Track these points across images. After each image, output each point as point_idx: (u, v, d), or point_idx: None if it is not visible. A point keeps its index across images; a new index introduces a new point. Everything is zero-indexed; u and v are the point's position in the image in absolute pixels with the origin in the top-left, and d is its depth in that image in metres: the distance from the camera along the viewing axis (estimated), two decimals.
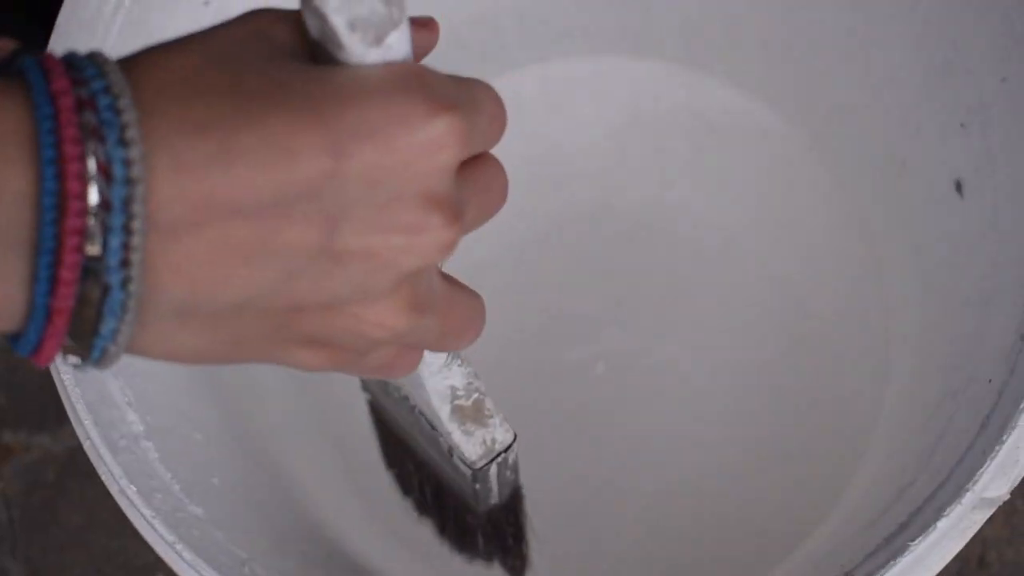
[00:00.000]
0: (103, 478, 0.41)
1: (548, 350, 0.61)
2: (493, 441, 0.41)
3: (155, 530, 0.40)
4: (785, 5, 0.57)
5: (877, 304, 0.59)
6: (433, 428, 0.41)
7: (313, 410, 0.57)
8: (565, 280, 0.61)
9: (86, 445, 0.41)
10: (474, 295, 0.34)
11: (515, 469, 0.43)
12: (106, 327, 0.26)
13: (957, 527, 0.39)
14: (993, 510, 0.40)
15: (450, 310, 0.32)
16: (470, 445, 0.41)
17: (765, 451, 0.59)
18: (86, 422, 0.40)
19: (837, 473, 0.57)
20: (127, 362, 0.43)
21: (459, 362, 0.39)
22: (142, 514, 0.40)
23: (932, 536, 0.38)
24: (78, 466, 0.72)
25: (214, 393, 0.49)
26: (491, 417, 0.40)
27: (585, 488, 0.59)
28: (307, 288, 0.28)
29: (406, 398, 0.41)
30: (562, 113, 0.62)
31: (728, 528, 0.58)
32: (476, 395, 0.40)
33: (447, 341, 0.33)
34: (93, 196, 0.25)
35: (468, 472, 0.41)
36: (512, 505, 0.45)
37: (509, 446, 0.41)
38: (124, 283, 0.26)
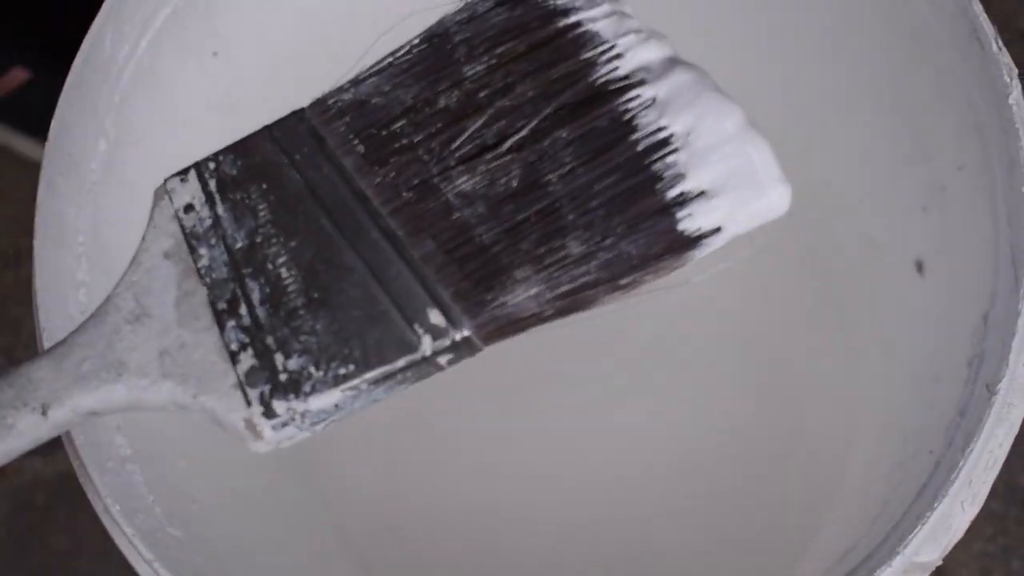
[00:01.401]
0: (89, 496, 0.43)
1: (512, 402, 0.63)
2: None
3: (135, 548, 0.42)
4: (769, 84, 0.60)
5: (844, 373, 0.62)
6: None
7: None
8: (531, 335, 0.63)
9: (75, 464, 0.43)
10: None
11: None
12: None
13: None
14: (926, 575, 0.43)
15: None
16: None
17: (725, 514, 0.61)
18: (77, 442, 0.42)
19: (797, 540, 0.59)
20: None
21: None
22: (124, 532, 0.42)
23: None
24: (67, 492, 0.73)
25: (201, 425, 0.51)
26: None
27: (543, 544, 0.61)
28: None
29: None
30: None
31: None
32: None
33: None
34: None
35: None
36: None
37: None
38: None
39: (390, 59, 0.38)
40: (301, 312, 0.36)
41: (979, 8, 0.46)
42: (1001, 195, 0.45)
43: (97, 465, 0.42)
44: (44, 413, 0.35)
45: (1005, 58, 0.45)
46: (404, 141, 0.37)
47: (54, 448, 0.73)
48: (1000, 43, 0.45)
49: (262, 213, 0.37)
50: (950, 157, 0.49)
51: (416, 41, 0.38)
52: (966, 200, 0.48)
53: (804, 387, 0.63)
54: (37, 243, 0.44)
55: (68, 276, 0.46)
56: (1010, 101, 0.44)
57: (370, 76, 0.38)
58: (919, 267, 0.54)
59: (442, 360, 0.35)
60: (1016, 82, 0.45)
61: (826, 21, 0.55)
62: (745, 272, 0.63)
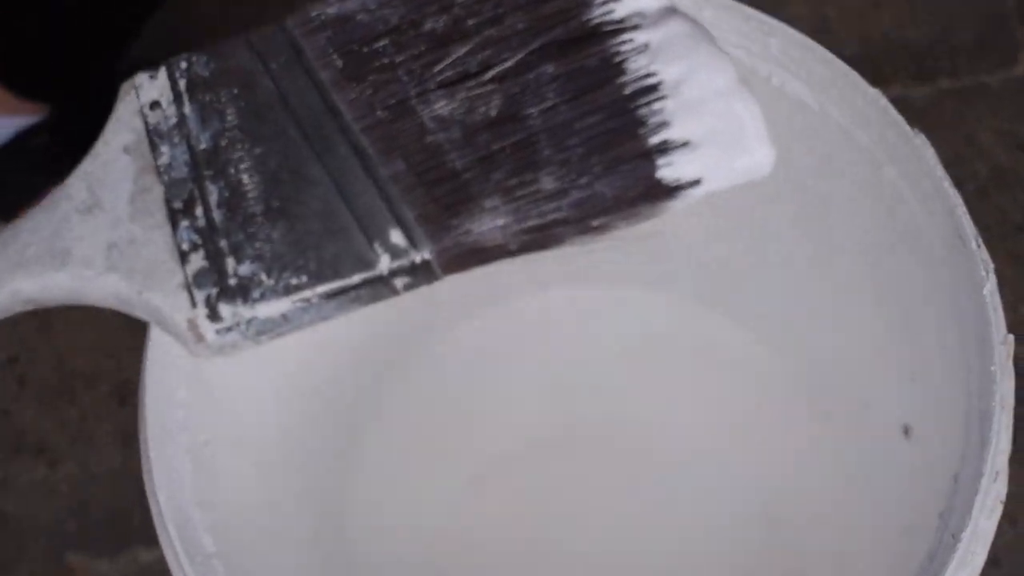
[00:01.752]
0: None
1: (525, 544, 0.67)
2: None
3: None
4: (777, 264, 0.67)
5: (840, 524, 0.67)
6: None
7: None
8: (561, 483, 0.68)
9: (169, 557, 0.50)
10: None
11: None
12: None
13: None
14: None
15: None
16: None
17: None
18: (174, 537, 0.49)
19: None
20: (207, 495, 0.53)
21: None
22: None
23: None
24: None
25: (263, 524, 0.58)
26: None
27: None
28: None
29: None
30: (566, 336, 0.69)
31: None
32: None
33: None
34: None
35: None
36: None
37: None
38: None
39: None
40: (259, 219, 0.35)
41: (963, 211, 0.53)
42: (975, 371, 0.52)
43: (189, 559, 0.49)
44: None
45: (983, 254, 0.52)
46: (385, 60, 0.36)
47: (121, 551, 0.79)
48: (979, 241, 0.52)
49: (230, 117, 0.36)
50: (934, 335, 0.56)
51: None
52: (946, 374, 0.55)
53: (802, 538, 0.67)
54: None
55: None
56: (984, 292, 0.51)
57: None
58: (906, 431, 0.60)
59: (398, 283, 0.35)
60: (991, 276, 0.52)
61: (829, 212, 0.62)
62: (755, 435, 0.69)
